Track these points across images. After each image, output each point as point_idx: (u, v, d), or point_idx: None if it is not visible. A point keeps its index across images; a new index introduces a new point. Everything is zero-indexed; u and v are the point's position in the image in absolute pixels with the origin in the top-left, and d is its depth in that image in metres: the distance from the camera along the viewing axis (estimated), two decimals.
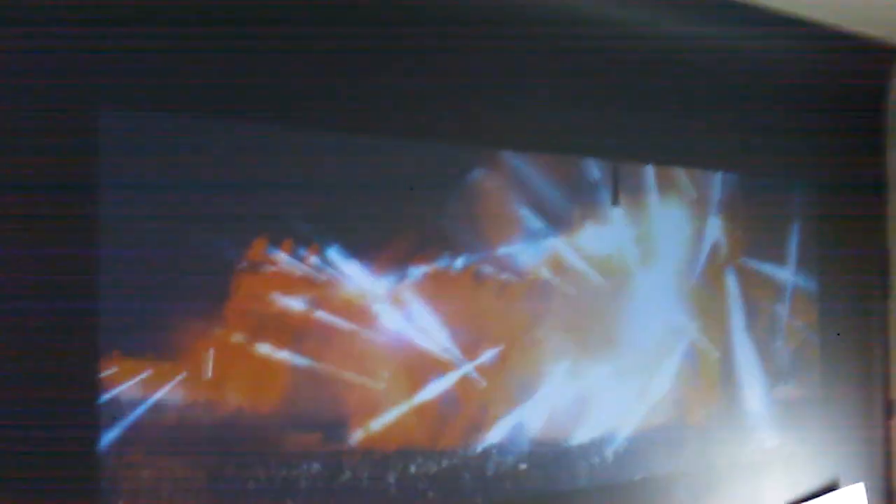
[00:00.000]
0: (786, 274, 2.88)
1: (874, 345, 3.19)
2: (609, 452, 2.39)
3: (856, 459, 3.09)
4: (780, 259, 2.86)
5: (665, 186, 2.54)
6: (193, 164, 1.74)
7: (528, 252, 2.23)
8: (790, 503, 2.85)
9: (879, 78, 3.17)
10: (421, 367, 2.03)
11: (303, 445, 1.85)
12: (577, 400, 2.32)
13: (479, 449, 2.12)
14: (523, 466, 2.19)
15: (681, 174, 2.59)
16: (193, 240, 1.72)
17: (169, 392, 1.68)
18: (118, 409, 1.62)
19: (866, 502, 3.05)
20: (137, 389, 1.64)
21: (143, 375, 1.66)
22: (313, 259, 1.86)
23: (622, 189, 2.45)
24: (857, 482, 3.05)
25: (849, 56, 2.96)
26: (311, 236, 1.86)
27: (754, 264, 2.78)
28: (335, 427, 1.91)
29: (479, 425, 2.13)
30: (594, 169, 2.39)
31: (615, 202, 2.45)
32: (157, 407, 1.66)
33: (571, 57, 2.31)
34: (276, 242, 1.82)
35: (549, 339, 2.28)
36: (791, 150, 2.91)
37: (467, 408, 2.11)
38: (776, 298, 2.84)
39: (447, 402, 2.06)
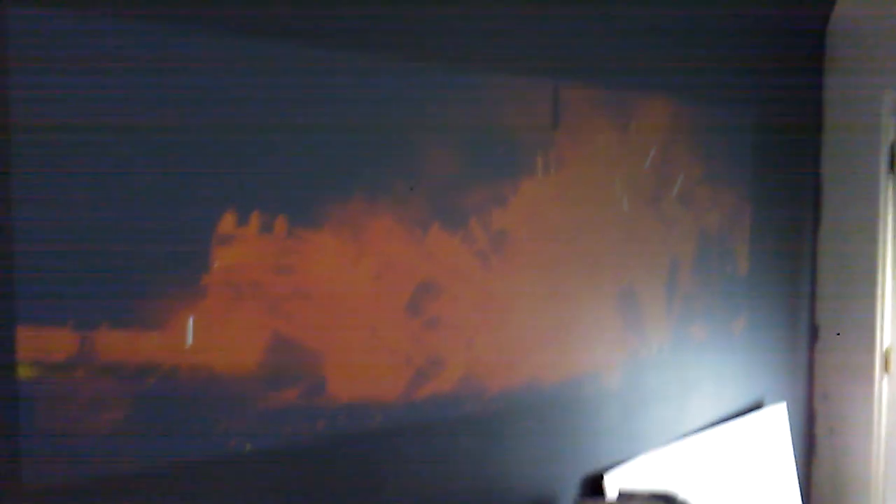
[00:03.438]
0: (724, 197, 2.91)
1: (802, 272, 3.28)
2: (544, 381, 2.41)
3: (780, 381, 3.21)
4: (718, 183, 2.89)
5: (606, 110, 2.52)
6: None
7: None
8: (717, 420, 2.95)
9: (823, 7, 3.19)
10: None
11: (281, 401, 1.87)
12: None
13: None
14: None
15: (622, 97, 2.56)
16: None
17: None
18: None
19: (787, 420, 3.17)
20: None
21: None
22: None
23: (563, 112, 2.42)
24: (781, 402, 3.17)
25: None
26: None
27: (692, 190, 2.79)
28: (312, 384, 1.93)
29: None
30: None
31: (555, 125, 2.41)
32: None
33: None
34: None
35: (493, 281, 2.26)
36: (731, 77, 2.91)
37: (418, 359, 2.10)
38: (714, 227, 2.88)
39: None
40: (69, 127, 1.58)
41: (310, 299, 1.92)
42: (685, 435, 2.82)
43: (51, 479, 1.61)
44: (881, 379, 3.16)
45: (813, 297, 3.33)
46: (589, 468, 2.54)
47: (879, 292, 3.13)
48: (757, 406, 3.11)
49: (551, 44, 2.37)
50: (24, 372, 1.56)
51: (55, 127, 1.56)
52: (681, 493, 2.38)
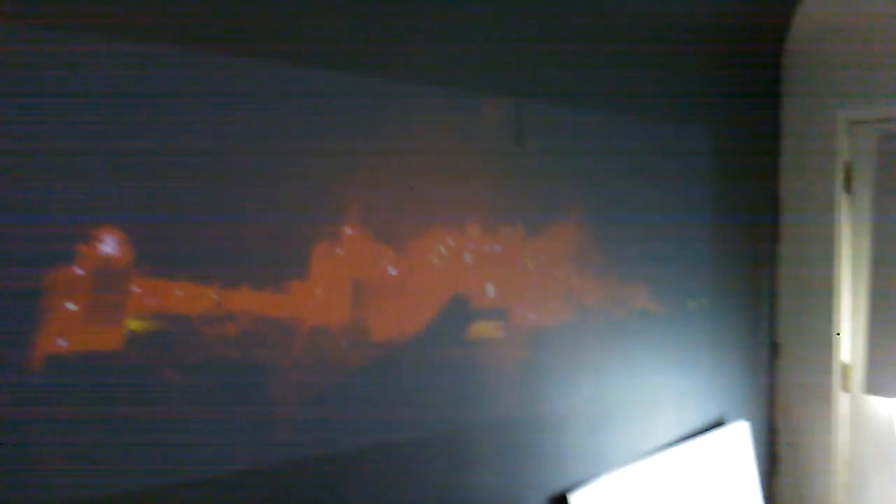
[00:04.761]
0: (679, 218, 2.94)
1: (762, 291, 3.32)
2: (508, 390, 2.40)
3: (742, 398, 3.23)
4: (676, 203, 2.91)
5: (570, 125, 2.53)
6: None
7: None
8: (680, 437, 2.95)
9: (779, 26, 3.26)
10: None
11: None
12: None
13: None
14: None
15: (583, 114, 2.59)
16: None
17: None
18: None
19: (750, 438, 3.19)
20: None
21: None
22: None
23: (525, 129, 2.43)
24: (743, 419, 3.19)
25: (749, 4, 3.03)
26: None
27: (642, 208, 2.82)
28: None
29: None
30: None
31: (519, 142, 2.42)
32: None
33: None
34: None
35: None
36: (687, 98, 2.95)
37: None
38: (674, 242, 2.90)
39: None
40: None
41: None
42: (649, 453, 2.82)
43: None
44: (840, 395, 3.19)
45: (772, 315, 3.36)
46: (554, 488, 2.53)
47: (837, 309, 3.18)
48: (719, 424, 3.12)
49: (514, 62, 2.39)
50: None
51: None
52: None
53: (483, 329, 2.34)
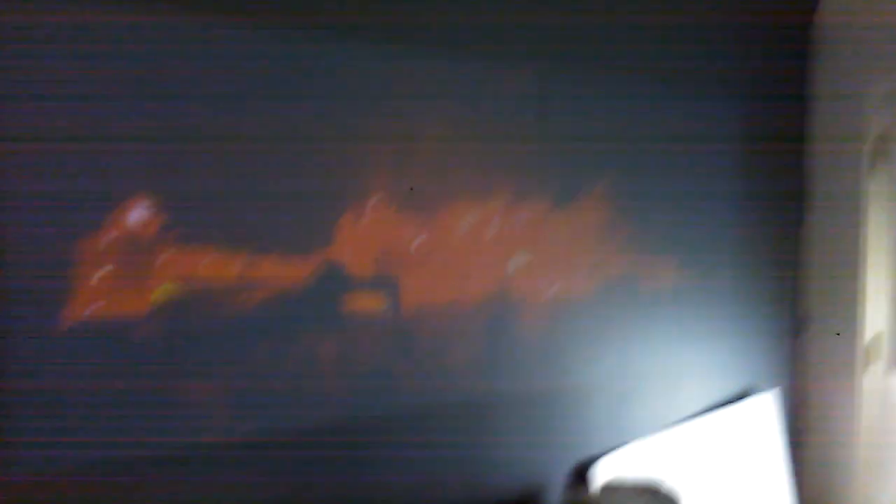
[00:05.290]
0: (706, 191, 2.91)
1: (790, 264, 3.28)
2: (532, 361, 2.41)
3: (769, 369, 3.21)
4: (703, 175, 2.88)
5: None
6: None
7: None
8: (705, 409, 2.95)
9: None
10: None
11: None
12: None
13: None
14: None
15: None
16: None
17: None
18: None
19: (776, 409, 3.17)
20: None
21: None
22: None
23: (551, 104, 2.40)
24: (769, 390, 3.18)
25: None
26: None
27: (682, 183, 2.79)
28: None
29: None
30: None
31: (543, 113, 2.39)
32: None
33: None
34: None
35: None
36: (717, 72, 2.91)
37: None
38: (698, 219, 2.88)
39: None
40: None
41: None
42: (675, 424, 2.82)
43: None
44: (866, 367, 3.17)
45: (800, 287, 3.33)
46: (579, 458, 2.54)
47: (863, 282, 3.14)
48: (745, 395, 3.11)
49: (537, 34, 2.36)
50: None
51: None
52: (667, 483, 2.38)
53: (507, 300, 2.34)
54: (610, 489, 2.33)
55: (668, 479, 2.42)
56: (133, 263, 1.68)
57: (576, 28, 2.45)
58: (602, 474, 2.50)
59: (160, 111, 1.71)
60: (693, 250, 2.86)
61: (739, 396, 3.09)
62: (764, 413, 3.10)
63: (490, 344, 2.31)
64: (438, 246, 2.18)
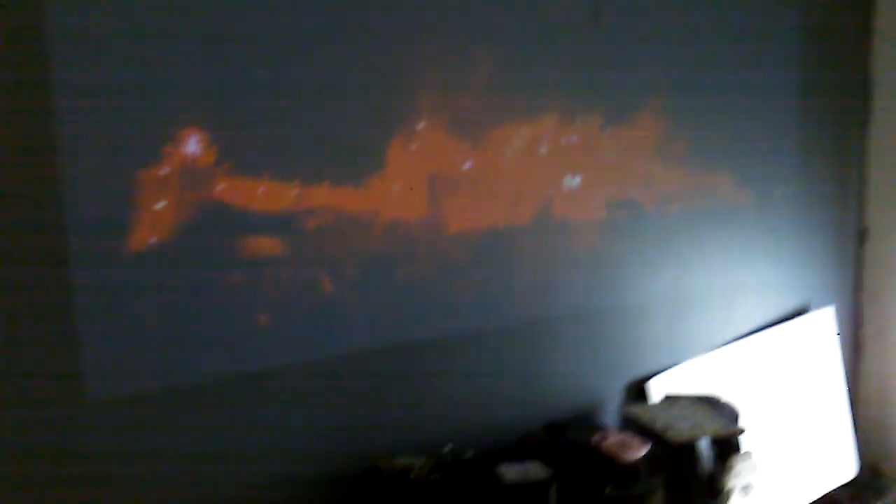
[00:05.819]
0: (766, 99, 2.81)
1: (850, 171, 3.18)
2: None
3: (827, 284, 3.16)
4: (761, 86, 2.78)
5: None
6: None
7: None
8: (762, 325, 2.92)
9: None
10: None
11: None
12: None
13: None
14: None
15: None
16: None
17: None
18: None
19: (835, 325, 3.13)
20: None
21: None
22: None
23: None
24: (828, 306, 3.13)
25: None
26: None
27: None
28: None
29: None
30: None
31: (597, 17, 2.31)
32: None
33: None
34: None
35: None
36: None
37: None
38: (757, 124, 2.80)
39: None
40: None
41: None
42: (731, 341, 2.81)
43: None
44: None
45: (861, 199, 3.23)
46: (634, 375, 2.56)
47: None
48: (804, 311, 3.07)
49: None
50: None
51: None
52: (724, 397, 2.39)
53: (561, 219, 2.33)
54: (668, 402, 2.35)
55: (725, 394, 2.43)
56: (193, 194, 1.72)
57: None
58: (659, 390, 2.52)
59: (209, 43, 1.71)
60: (750, 164, 2.78)
61: (797, 313, 3.05)
62: (822, 328, 3.06)
63: (544, 263, 2.31)
64: (489, 168, 2.16)
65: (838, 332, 3.13)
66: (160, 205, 1.68)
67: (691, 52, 2.54)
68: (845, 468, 3.07)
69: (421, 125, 2.03)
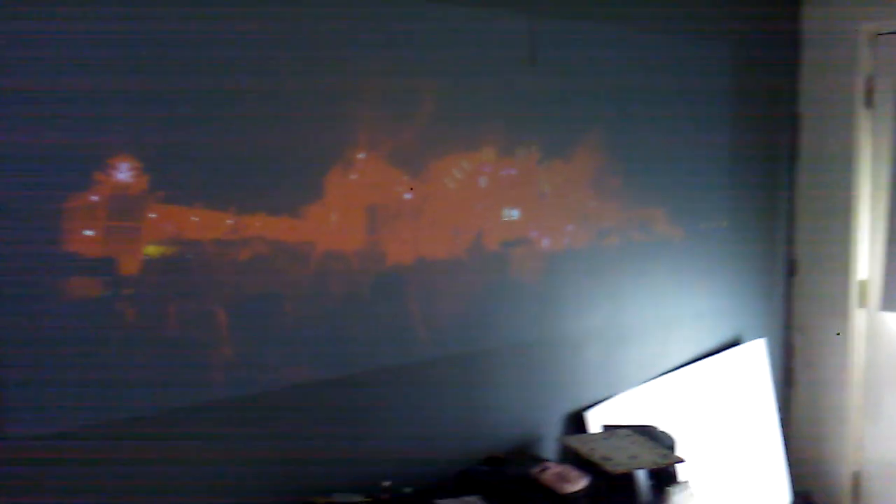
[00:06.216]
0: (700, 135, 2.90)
1: (780, 206, 3.29)
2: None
3: (758, 316, 3.24)
4: (695, 123, 2.87)
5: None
6: None
7: None
8: (696, 357, 2.98)
9: None
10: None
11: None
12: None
13: None
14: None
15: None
16: None
17: None
18: None
19: (766, 355, 3.21)
20: None
21: None
22: None
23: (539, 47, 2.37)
24: (759, 338, 3.21)
25: None
26: None
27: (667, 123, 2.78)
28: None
29: None
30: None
31: (533, 58, 2.36)
32: None
33: None
34: None
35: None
36: (708, 11, 2.88)
37: None
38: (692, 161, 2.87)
39: None
40: None
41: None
42: (666, 372, 2.85)
43: None
44: (857, 311, 3.20)
45: (790, 233, 3.34)
46: (571, 407, 2.57)
47: (855, 225, 3.15)
48: (736, 342, 3.14)
49: None
50: None
51: None
52: (661, 427, 2.41)
53: (499, 251, 2.34)
54: (607, 432, 2.36)
55: (662, 425, 2.45)
56: (120, 222, 1.67)
57: None
58: (597, 421, 2.53)
59: (143, 72, 1.68)
60: (684, 199, 2.86)
61: (730, 344, 3.12)
62: (754, 359, 3.13)
63: (482, 295, 2.32)
64: (429, 199, 2.17)
65: (770, 362, 3.21)
66: (88, 233, 1.63)
67: (626, 90, 2.61)
68: (779, 497, 3.13)
69: (361, 155, 2.02)
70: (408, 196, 2.12)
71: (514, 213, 2.36)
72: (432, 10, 2.13)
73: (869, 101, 3.11)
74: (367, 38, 2.01)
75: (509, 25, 2.29)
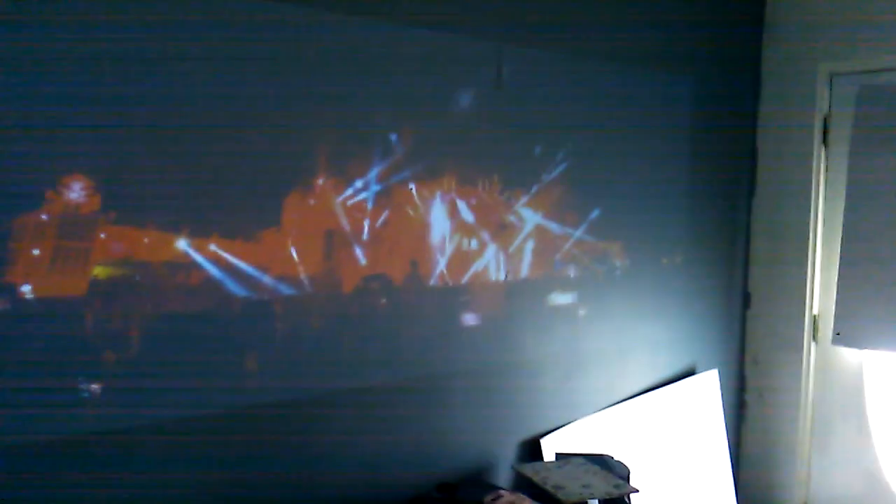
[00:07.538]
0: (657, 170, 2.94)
1: (737, 239, 3.34)
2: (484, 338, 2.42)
3: (712, 348, 3.28)
4: (654, 158, 2.91)
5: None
6: None
7: None
8: (651, 386, 3.00)
9: None
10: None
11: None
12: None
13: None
14: None
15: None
16: None
17: None
18: None
19: (719, 386, 3.24)
20: None
21: None
22: None
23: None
24: (713, 368, 3.24)
25: None
26: None
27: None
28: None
29: None
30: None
31: (498, 86, 2.39)
32: None
33: None
34: None
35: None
36: (670, 45, 2.93)
37: None
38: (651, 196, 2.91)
39: None
40: None
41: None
42: (621, 400, 2.86)
43: None
44: (810, 345, 3.25)
45: (746, 264, 3.40)
46: (527, 433, 2.57)
47: (810, 261, 3.21)
48: (690, 372, 3.18)
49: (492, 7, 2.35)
50: None
51: None
52: (615, 456, 2.42)
53: (457, 278, 2.34)
54: (561, 460, 2.37)
55: (615, 453, 2.46)
56: (70, 241, 1.64)
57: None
58: (551, 449, 2.54)
59: (99, 92, 1.66)
60: (642, 232, 2.89)
61: (685, 374, 3.15)
62: (707, 389, 3.16)
63: (438, 321, 2.31)
64: (389, 226, 2.16)
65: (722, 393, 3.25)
66: (36, 251, 1.60)
67: (587, 126, 2.64)
68: None
69: (320, 181, 2.01)
70: (367, 222, 2.12)
71: (473, 242, 2.37)
72: (397, 32, 2.14)
73: (825, 139, 3.18)
74: (329, 61, 2.01)
75: (478, 52, 2.31)
